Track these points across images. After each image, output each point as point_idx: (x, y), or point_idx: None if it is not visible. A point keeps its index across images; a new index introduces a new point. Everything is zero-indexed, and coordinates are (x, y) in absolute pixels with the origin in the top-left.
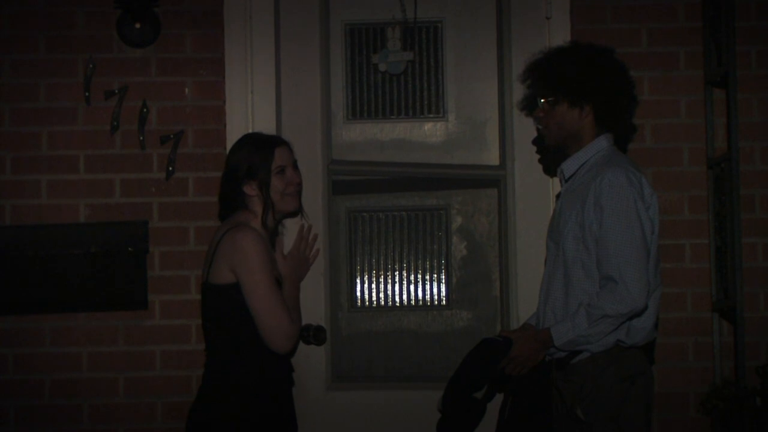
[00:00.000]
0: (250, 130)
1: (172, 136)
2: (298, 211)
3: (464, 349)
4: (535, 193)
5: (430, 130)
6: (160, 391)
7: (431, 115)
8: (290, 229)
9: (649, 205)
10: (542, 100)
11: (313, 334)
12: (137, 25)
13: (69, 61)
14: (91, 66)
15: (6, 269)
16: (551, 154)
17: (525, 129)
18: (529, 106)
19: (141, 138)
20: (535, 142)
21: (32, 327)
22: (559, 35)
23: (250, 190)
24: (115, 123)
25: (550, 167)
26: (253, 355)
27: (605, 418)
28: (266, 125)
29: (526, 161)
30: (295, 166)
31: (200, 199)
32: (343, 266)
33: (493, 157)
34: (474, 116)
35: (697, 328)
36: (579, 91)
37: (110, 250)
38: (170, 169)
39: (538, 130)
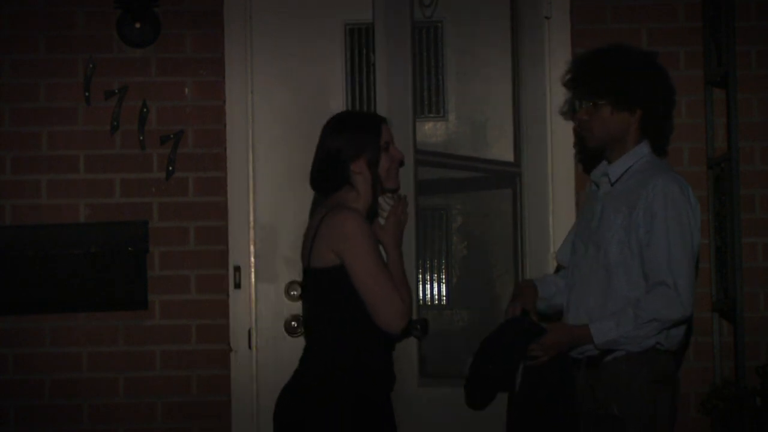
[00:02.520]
0: (250, 131)
1: (172, 136)
2: (397, 189)
3: (465, 348)
4: (542, 192)
5: (431, 129)
6: (160, 391)
7: (431, 115)
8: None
9: (695, 213)
10: (590, 103)
11: (420, 327)
12: (137, 25)
13: (69, 61)
14: (91, 66)
15: (6, 269)
16: (563, 153)
17: (531, 128)
18: (569, 107)
19: (141, 138)
20: (539, 142)
21: (32, 327)
22: (559, 35)
23: (357, 168)
24: (115, 123)
25: (547, 165)
26: (353, 339)
27: (634, 418)
28: (266, 125)
29: (532, 160)
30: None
31: (200, 199)
32: None
33: (493, 156)
34: (474, 116)
35: (697, 328)
36: (627, 94)
37: (110, 250)
38: (170, 169)
39: (577, 132)
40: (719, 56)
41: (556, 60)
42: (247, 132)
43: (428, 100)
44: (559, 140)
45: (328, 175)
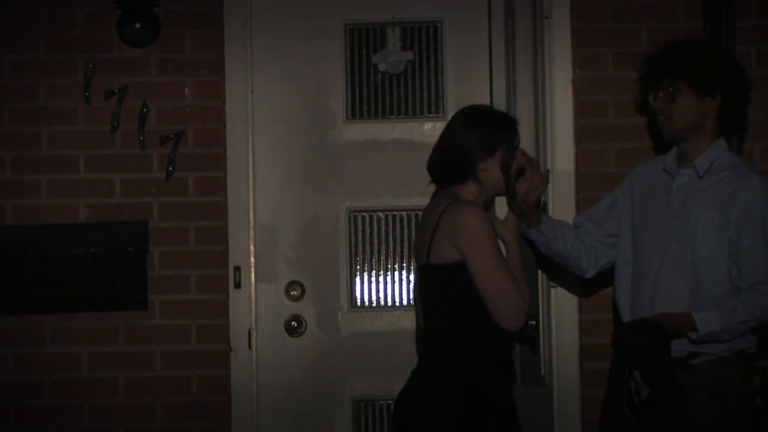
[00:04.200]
0: (250, 131)
1: (172, 136)
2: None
3: None
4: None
5: (430, 129)
6: (160, 391)
7: (431, 115)
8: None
9: None
10: (670, 89)
11: (534, 325)
12: (137, 25)
13: (69, 61)
14: (91, 66)
15: (6, 269)
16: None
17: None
18: (646, 97)
19: (141, 138)
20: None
21: (32, 327)
22: (559, 35)
23: (485, 166)
24: (115, 123)
25: (547, 164)
26: (468, 334)
27: (737, 420)
28: (266, 125)
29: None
30: None
31: (200, 199)
32: (343, 266)
33: None
34: None
35: None
36: (706, 78)
37: (110, 250)
38: (170, 169)
39: (659, 121)
40: None
41: (556, 60)
42: (247, 132)
43: (428, 100)
44: (559, 140)
45: (452, 170)
